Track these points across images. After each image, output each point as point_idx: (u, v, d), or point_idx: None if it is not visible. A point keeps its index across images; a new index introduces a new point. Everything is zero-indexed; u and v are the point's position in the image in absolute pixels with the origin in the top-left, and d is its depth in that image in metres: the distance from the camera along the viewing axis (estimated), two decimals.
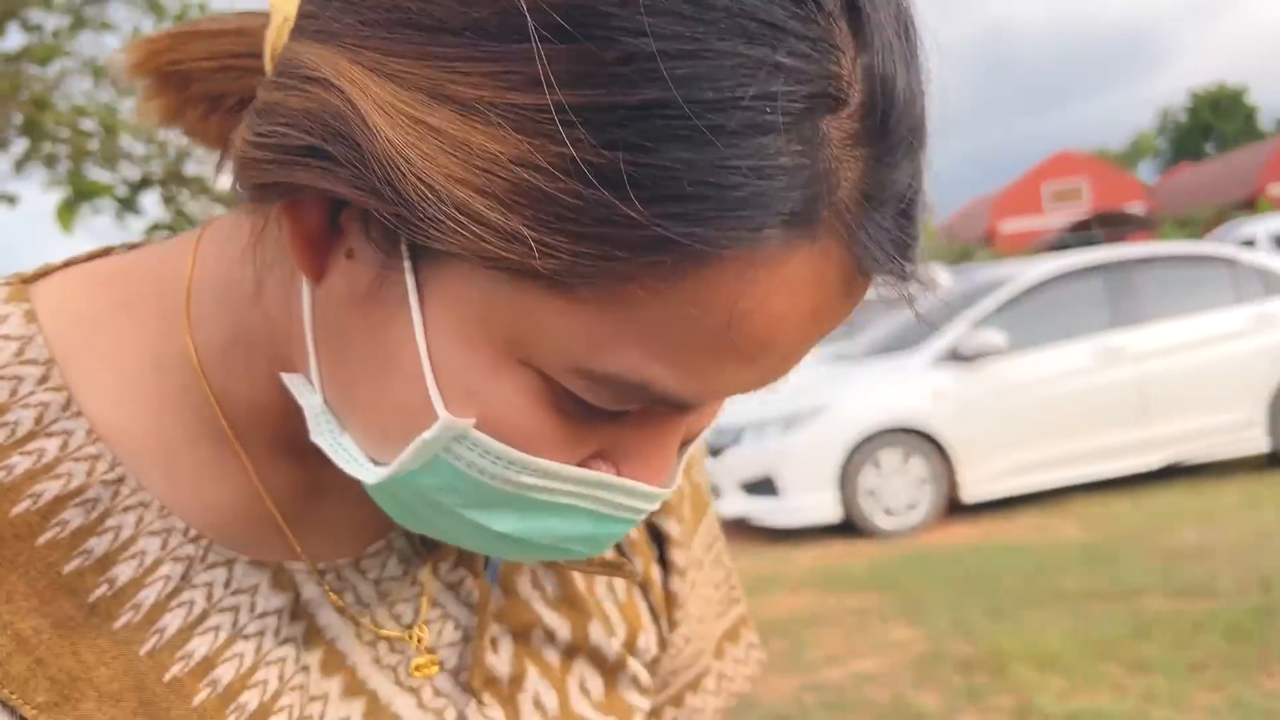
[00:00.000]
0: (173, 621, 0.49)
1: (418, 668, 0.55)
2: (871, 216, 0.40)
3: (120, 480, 0.49)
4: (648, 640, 0.66)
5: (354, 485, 0.49)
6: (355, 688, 0.54)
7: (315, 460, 0.50)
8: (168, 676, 0.48)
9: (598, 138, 0.36)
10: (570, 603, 0.62)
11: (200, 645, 0.50)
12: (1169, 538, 5.79)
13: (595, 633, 0.62)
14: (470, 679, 0.56)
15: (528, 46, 0.36)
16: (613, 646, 0.63)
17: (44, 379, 0.49)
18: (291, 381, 0.49)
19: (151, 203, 4.72)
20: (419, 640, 0.55)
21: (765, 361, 0.43)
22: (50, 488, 0.48)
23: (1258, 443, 7.03)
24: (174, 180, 4.53)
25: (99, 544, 0.48)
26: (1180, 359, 6.97)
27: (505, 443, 0.43)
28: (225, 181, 0.48)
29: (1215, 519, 6.09)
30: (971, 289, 7.69)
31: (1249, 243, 22.61)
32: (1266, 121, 72.53)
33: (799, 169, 0.37)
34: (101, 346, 0.51)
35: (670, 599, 0.68)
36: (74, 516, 0.48)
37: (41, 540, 0.47)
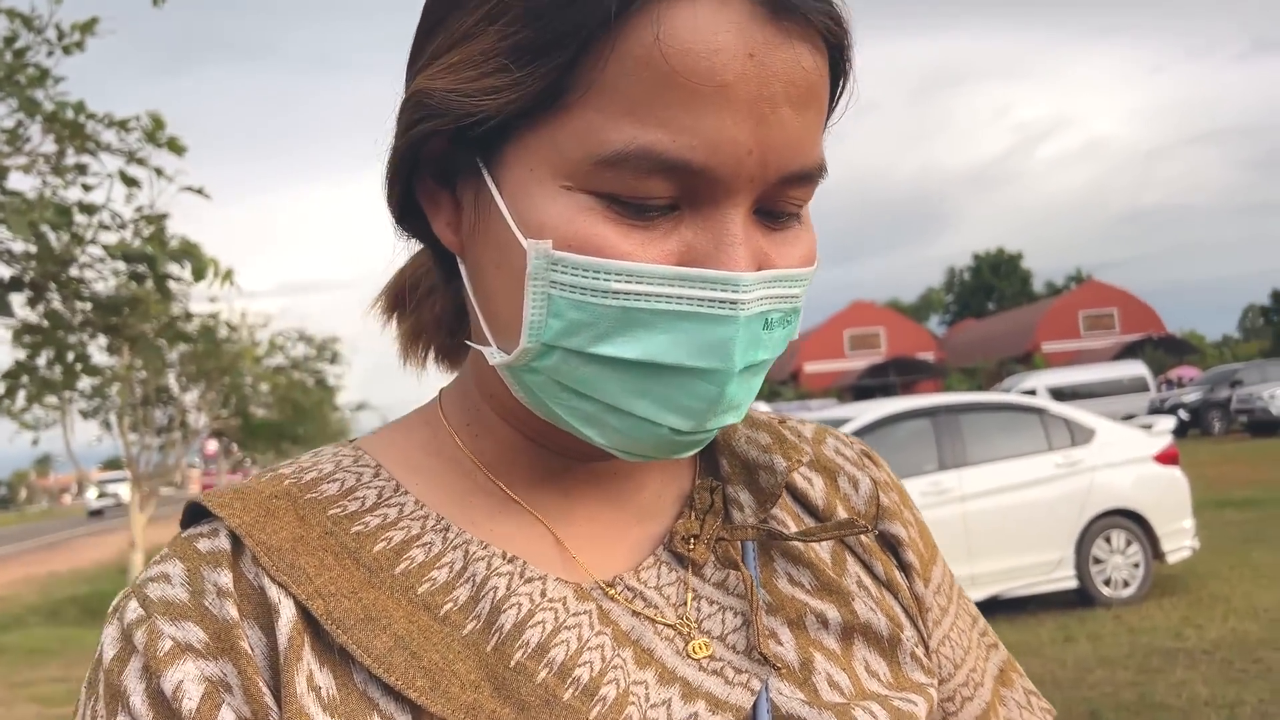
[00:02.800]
0: (507, 621, 0.60)
1: (695, 649, 0.64)
2: None
3: (448, 528, 0.64)
4: (912, 636, 0.71)
5: (621, 509, 0.69)
6: (667, 676, 0.62)
7: (575, 486, 0.68)
8: (512, 663, 0.59)
9: (521, 1, 0.55)
10: (829, 589, 0.70)
11: (533, 635, 0.60)
12: None
13: (861, 610, 0.69)
14: (760, 647, 0.63)
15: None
16: (882, 622, 0.70)
17: (376, 474, 0.67)
18: (476, 348, 0.64)
19: (22, 302, 4.51)
20: (691, 625, 0.65)
21: (737, 107, 0.53)
22: (397, 535, 0.63)
23: (1067, 581, 7.57)
24: (48, 280, 4.37)
25: (440, 574, 0.62)
26: (1000, 500, 7.45)
27: (586, 255, 0.55)
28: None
29: (1038, 652, 6.49)
30: None
31: (1030, 392, 24.69)
32: (1039, 285, 79.31)
33: None
34: (399, 454, 0.69)
35: (920, 604, 0.75)
36: (418, 555, 0.62)
37: (397, 570, 0.61)
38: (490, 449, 0.68)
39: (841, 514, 0.75)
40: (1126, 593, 7.71)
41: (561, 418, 0.61)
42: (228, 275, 4.31)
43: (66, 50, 5.10)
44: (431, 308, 0.75)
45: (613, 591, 0.64)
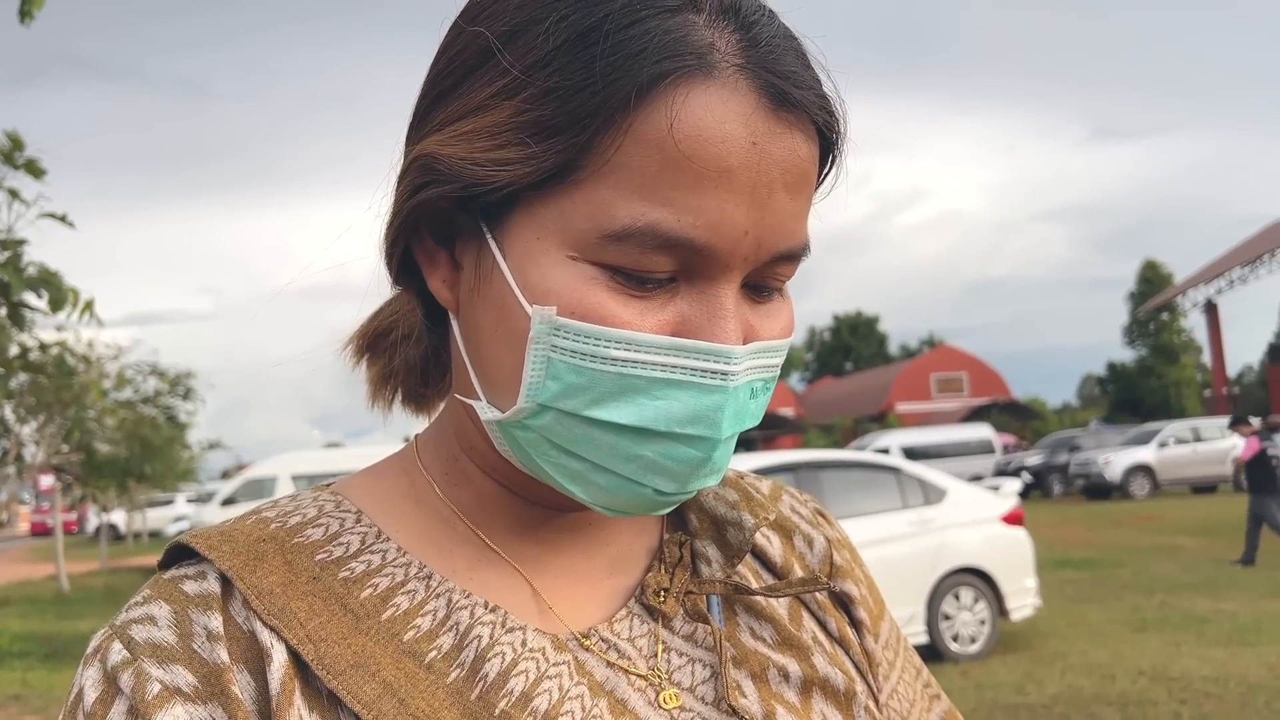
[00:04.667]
0: (491, 670, 0.61)
1: (665, 700, 0.65)
2: (756, 59, 0.57)
3: (430, 576, 0.65)
4: (864, 691, 0.74)
5: (593, 560, 0.70)
6: None
7: (551, 536, 0.70)
8: (497, 711, 0.60)
9: (542, 80, 0.57)
10: (790, 643, 0.72)
11: (517, 684, 0.61)
12: None
13: (820, 664, 0.72)
14: (729, 697, 0.66)
15: (487, 68, 0.59)
16: (839, 677, 0.72)
17: (358, 520, 0.67)
18: (465, 401, 0.66)
19: None
20: (661, 676, 0.67)
21: (738, 191, 0.56)
22: (382, 582, 0.64)
23: (918, 636, 7.78)
24: None
25: (424, 621, 0.63)
26: None
27: (588, 322, 0.57)
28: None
29: None
30: None
31: (885, 450, 25.47)
32: (894, 347, 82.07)
33: (681, 38, 0.56)
34: (379, 501, 0.69)
35: (870, 659, 0.77)
36: (402, 602, 0.63)
37: (384, 617, 0.62)
38: (469, 498, 0.69)
39: (798, 571, 0.78)
40: (973, 648, 7.99)
41: (548, 473, 0.62)
42: (88, 306, 4.13)
43: None
44: (405, 354, 0.76)
45: (588, 642, 0.66)
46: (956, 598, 8.00)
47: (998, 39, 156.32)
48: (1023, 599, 8.14)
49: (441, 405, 0.75)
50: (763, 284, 0.62)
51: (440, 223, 0.64)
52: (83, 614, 14.11)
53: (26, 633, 12.10)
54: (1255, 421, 14.76)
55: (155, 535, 34.72)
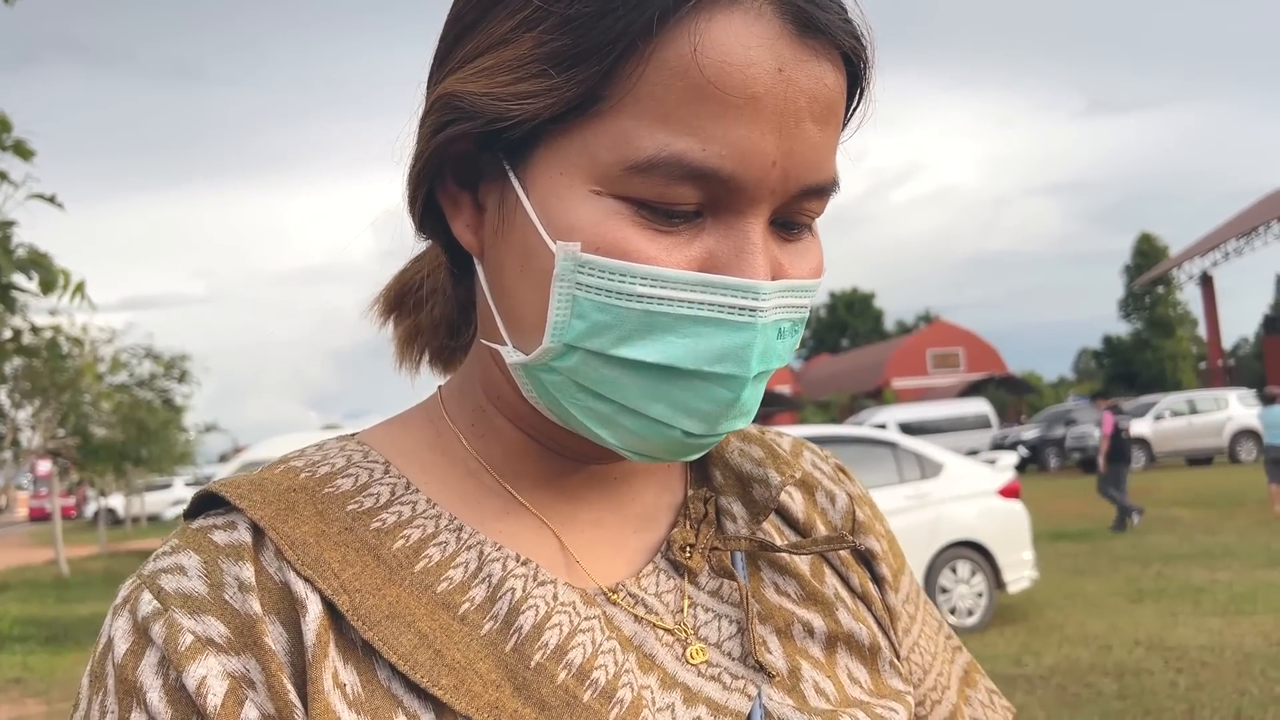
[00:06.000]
0: (525, 623, 0.61)
1: (692, 655, 0.65)
2: None
3: (461, 528, 0.64)
4: (887, 645, 0.74)
5: (620, 515, 0.70)
6: (669, 681, 0.63)
7: (578, 489, 0.69)
8: (533, 664, 0.59)
9: (563, 8, 0.56)
10: (814, 599, 0.71)
11: (551, 637, 0.61)
12: None
13: (845, 619, 0.72)
14: (755, 652, 0.65)
15: (507, 2, 0.58)
16: (863, 632, 0.72)
17: (386, 471, 0.66)
18: (491, 347, 0.65)
19: None
20: (688, 631, 0.66)
21: (765, 120, 0.55)
22: (414, 533, 0.63)
23: None
24: None
25: (456, 573, 0.62)
26: None
27: (613, 258, 0.56)
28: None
29: None
30: None
31: (882, 426, 25.55)
32: (890, 324, 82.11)
33: None
34: (406, 452, 0.68)
35: (892, 615, 0.77)
36: (435, 554, 0.62)
37: (416, 568, 0.61)
38: (495, 449, 0.68)
39: (820, 527, 0.77)
40: (971, 621, 8.03)
41: (575, 417, 0.61)
42: (79, 288, 4.11)
43: None
44: (431, 310, 0.76)
45: (615, 597, 0.65)
46: (954, 571, 8.03)
47: (992, 12, 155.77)
48: (1019, 571, 8.18)
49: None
50: (792, 220, 0.60)
51: (463, 165, 0.63)
52: (82, 598, 14.13)
53: (27, 617, 12.13)
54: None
55: (154, 519, 34.76)
